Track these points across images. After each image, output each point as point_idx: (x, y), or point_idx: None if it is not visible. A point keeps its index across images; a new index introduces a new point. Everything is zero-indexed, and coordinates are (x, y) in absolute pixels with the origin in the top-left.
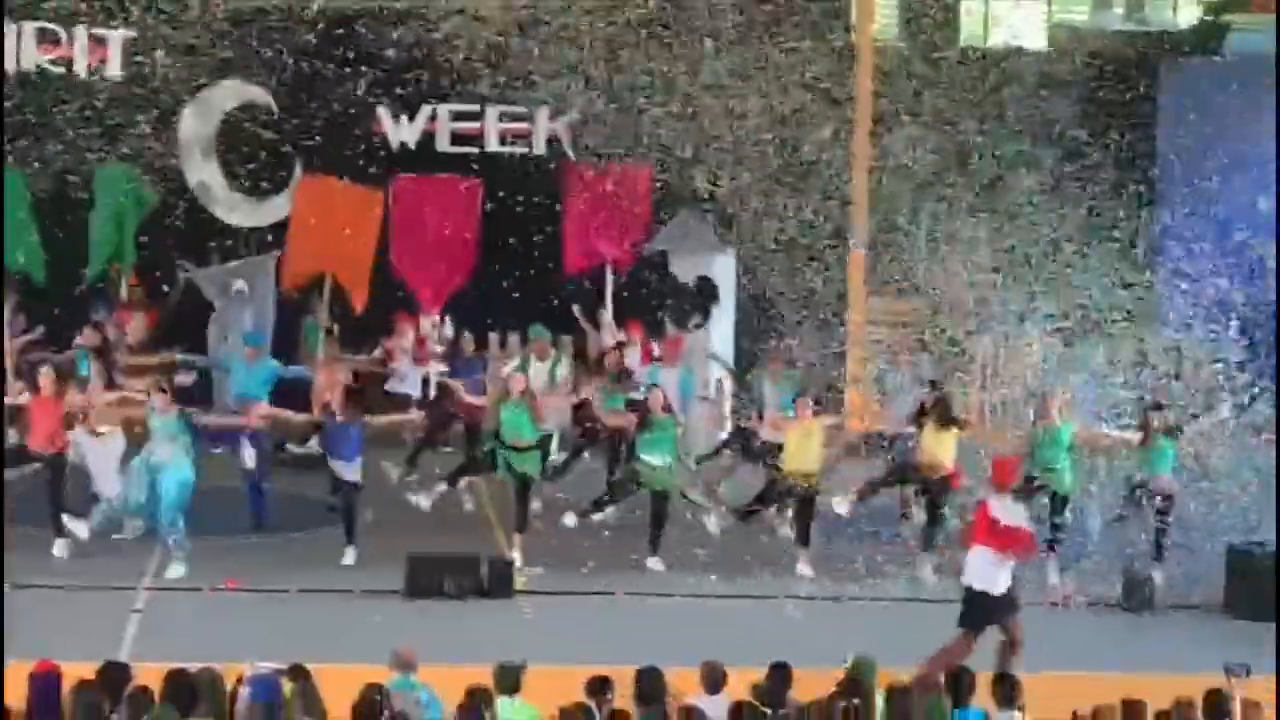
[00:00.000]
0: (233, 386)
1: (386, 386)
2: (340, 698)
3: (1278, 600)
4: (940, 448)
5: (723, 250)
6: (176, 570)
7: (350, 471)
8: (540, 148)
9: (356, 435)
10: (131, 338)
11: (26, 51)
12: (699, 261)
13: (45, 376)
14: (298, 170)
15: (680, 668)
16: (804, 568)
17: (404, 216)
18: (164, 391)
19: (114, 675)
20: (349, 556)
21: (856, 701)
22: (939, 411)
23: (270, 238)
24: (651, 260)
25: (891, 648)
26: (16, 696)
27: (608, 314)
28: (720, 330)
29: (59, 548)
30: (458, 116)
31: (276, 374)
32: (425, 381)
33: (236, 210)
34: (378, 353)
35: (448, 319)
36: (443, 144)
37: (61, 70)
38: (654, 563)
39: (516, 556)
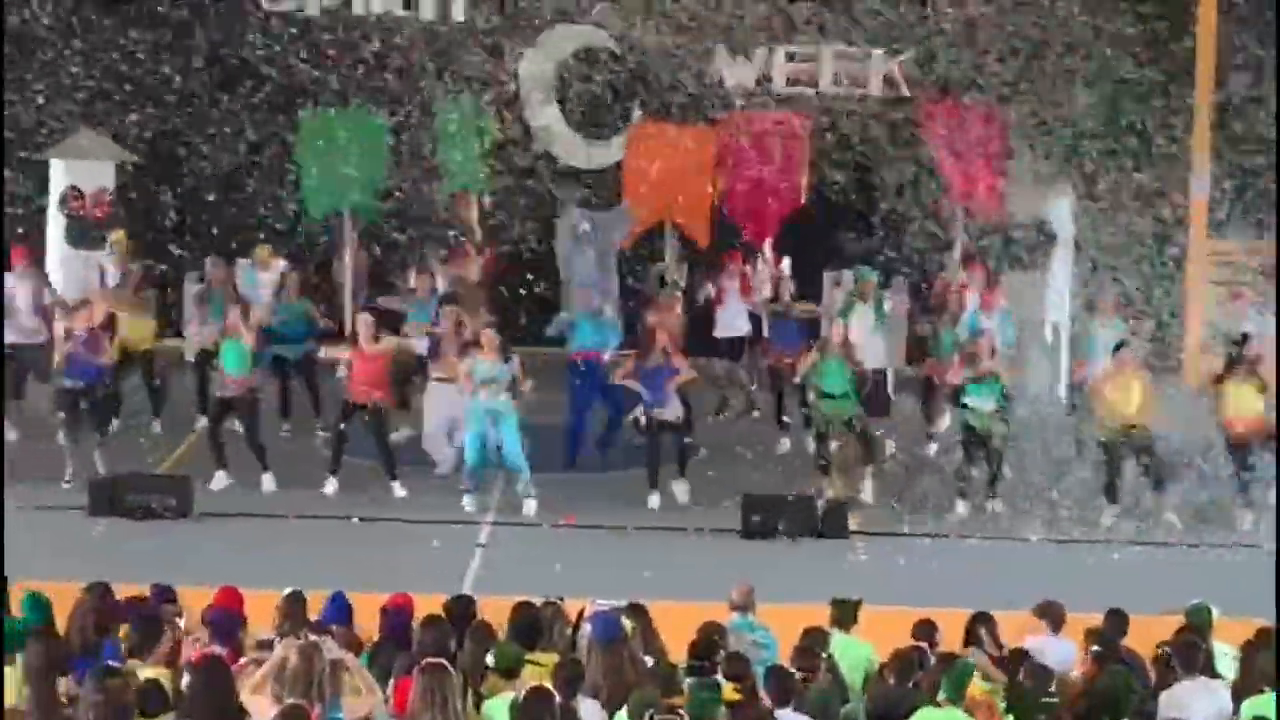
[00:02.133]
0: (575, 339)
1: (715, 331)
2: (678, 635)
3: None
4: (1242, 405)
5: (1061, 192)
6: (529, 507)
7: (668, 412)
8: (875, 88)
9: (669, 377)
10: (467, 280)
11: None
12: (1037, 203)
13: (365, 326)
14: (636, 112)
15: (1011, 612)
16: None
17: (733, 153)
18: (492, 336)
19: (460, 608)
20: (681, 493)
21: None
22: (1239, 367)
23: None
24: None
25: (1230, 597)
26: (371, 628)
27: (955, 254)
28: (1057, 274)
29: (397, 489)
30: (793, 57)
31: (617, 332)
32: (757, 320)
33: (577, 152)
34: (710, 292)
35: (785, 260)
36: (779, 85)
37: (407, 14)
38: (992, 505)
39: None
